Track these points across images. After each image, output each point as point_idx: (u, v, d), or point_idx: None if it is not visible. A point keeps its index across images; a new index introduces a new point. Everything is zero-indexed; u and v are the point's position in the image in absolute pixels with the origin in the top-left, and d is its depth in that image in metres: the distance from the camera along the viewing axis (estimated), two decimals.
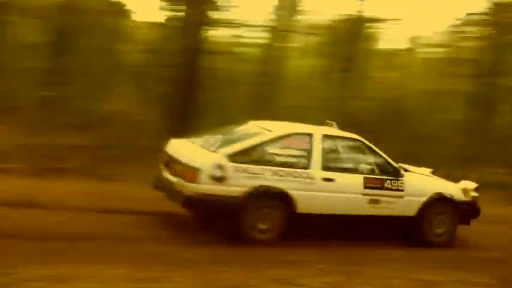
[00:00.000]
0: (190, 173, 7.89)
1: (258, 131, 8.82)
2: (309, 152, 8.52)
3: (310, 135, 8.71)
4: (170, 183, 8.31)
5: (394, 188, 8.96)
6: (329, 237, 8.51)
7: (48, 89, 16.61)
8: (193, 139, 9.03)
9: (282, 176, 8.19)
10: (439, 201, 9.31)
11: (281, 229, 8.29)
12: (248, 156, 8.12)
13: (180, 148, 8.75)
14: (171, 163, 8.56)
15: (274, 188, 8.13)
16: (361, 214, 8.83)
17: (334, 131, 9.35)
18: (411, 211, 9.13)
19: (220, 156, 7.94)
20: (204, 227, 8.46)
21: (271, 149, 8.31)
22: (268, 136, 8.53)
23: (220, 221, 8.26)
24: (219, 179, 7.82)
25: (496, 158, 19.12)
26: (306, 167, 8.41)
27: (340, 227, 8.82)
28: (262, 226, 8.17)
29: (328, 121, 9.72)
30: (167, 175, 8.55)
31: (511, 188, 16.08)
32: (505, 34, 21.65)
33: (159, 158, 9.15)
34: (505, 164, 18.50)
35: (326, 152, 8.70)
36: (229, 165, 7.87)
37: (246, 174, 7.98)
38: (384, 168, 9.04)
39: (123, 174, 12.20)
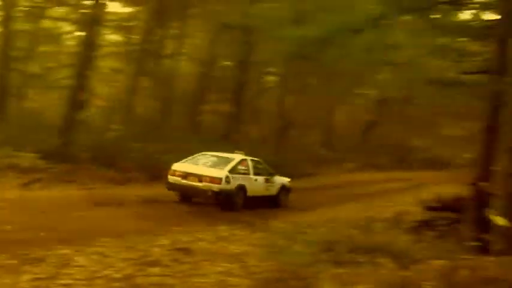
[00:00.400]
0: (216, 180, 15.64)
1: (224, 157, 17.12)
2: (248, 167, 17.15)
3: (246, 159, 17.31)
4: (195, 186, 15.79)
5: (271, 182, 18.10)
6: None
7: None
8: (190, 162, 16.82)
9: (242, 179, 16.59)
10: (282, 187, 18.67)
11: (243, 204, 16.45)
12: (233, 170, 16.35)
13: (195, 168, 16.28)
14: (190, 176, 15.96)
15: (242, 184, 16.46)
16: (263, 195, 17.78)
17: (250, 157, 17.79)
18: (275, 192, 18.34)
19: (226, 171, 16.03)
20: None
21: (238, 166, 16.72)
22: (236, 161, 16.82)
23: (226, 201, 15.93)
24: (228, 182, 15.80)
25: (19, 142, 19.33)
26: (248, 173, 17.03)
27: (257, 201, 17.17)
28: (239, 201, 16.29)
29: (237, 150, 18.01)
30: (188, 182, 15.95)
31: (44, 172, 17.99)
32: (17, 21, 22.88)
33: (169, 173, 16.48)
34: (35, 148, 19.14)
35: (252, 166, 17.37)
36: (230, 175, 16.02)
37: (234, 179, 16.14)
38: (269, 172, 18.22)
39: None
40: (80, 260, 8.79)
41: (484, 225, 10.91)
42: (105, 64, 26.31)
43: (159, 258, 9.41)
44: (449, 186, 18.98)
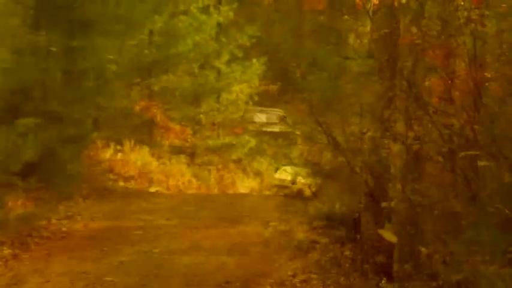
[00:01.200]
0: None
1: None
2: None
3: None
4: (287, 186, 17.66)
5: None
6: None
7: None
8: (284, 170, 21.31)
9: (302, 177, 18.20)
10: None
11: None
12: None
13: (285, 174, 20.37)
14: (284, 181, 19.87)
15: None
16: None
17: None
18: None
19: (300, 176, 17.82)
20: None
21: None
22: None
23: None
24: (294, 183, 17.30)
25: None
26: None
27: None
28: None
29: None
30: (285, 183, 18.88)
31: None
32: None
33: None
34: None
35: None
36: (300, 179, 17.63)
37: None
38: None
39: None
40: None
41: (382, 243, 9.29)
42: None
43: None
44: (342, 197, 20.45)
